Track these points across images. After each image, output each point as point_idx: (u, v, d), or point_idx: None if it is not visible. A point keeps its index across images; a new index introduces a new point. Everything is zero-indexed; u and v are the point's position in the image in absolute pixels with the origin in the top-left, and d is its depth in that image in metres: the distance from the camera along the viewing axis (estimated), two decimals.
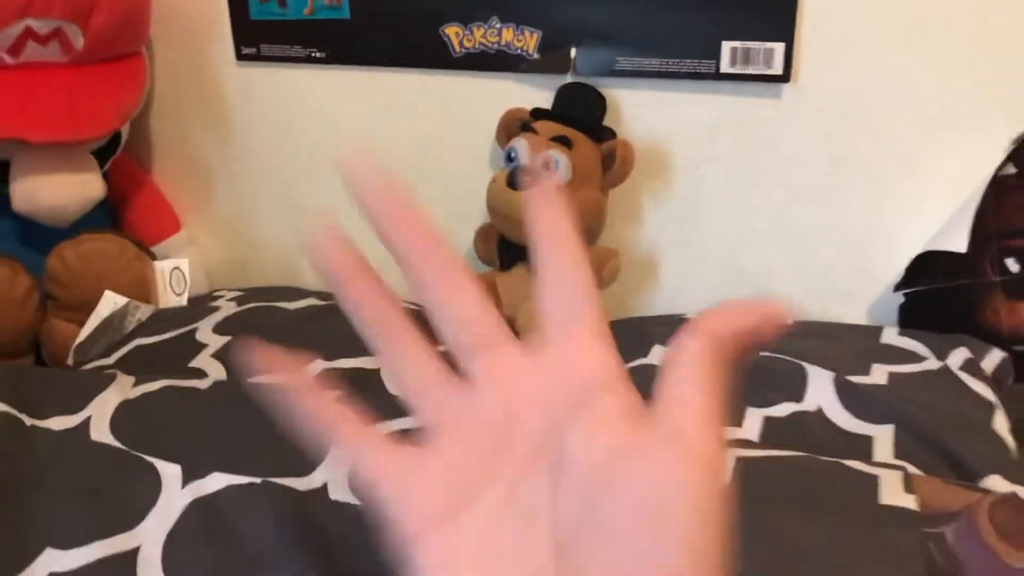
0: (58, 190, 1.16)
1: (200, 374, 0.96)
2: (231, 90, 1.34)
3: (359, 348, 0.97)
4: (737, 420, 0.87)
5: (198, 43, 1.32)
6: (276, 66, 1.29)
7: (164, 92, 1.38)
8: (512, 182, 1.08)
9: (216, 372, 0.97)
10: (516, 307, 1.12)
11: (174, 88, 1.37)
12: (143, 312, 1.16)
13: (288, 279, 1.40)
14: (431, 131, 1.26)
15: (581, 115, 1.12)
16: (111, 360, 1.03)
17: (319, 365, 0.98)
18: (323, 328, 1.09)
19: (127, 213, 1.38)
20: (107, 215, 1.34)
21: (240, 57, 1.30)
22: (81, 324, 1.16)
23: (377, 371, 0.98)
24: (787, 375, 0.93)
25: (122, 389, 0.84)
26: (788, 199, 1.14)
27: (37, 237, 1.21)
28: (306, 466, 0.74)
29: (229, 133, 1.37)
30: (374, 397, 0.84)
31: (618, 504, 0.29)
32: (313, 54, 1.26)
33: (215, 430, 0.79)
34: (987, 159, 1.03)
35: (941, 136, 1.06)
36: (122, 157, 1.34)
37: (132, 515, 0.70)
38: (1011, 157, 1.03)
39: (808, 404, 0.89)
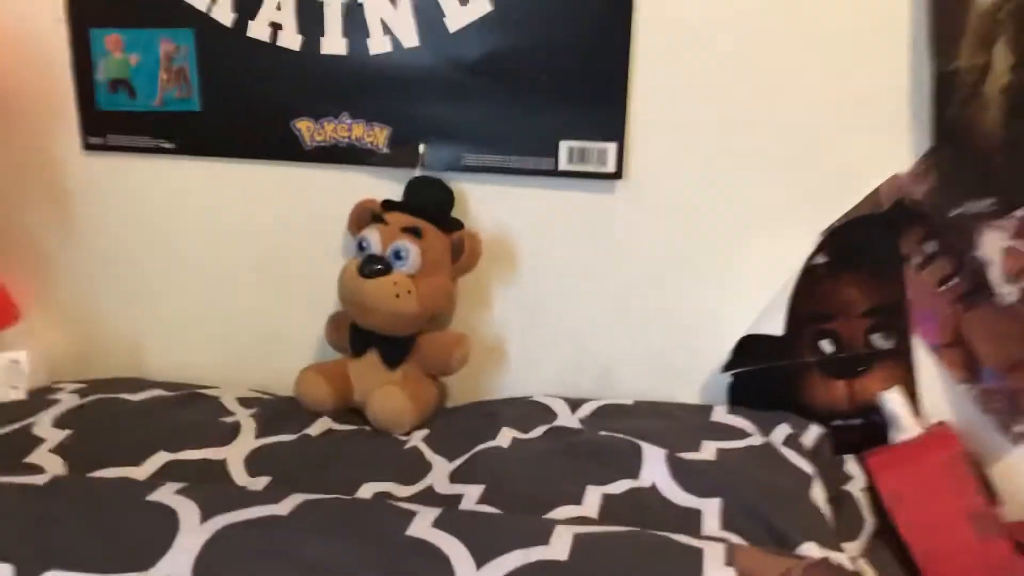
0: None
1: (37, 470, 0.93)
2: (75, 179, 1.32)
3: (203, 439, 0.97)
4: (577, 497, 0.91)
5: (42, 131, 1.30)
6: (124, 156, 1.29)
7: (4, 179, 1.34)
8: (363, 271, 1.11)
9: (55, 467, 0.95)
10: (367, 393, 1.13)
11: (15, 175, 1.34)
12: None
13: (132, 369, 1.37)
14: (283, 221, 1.28)
15: (430, 207, 1.17)
16: None
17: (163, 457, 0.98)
18: (167, 420, 1.08)
19: None
20: None
21: (87, 147, 1.29)
22: None
23: (222, 461, 0.98)
24: (624, 453, 0.98)
25: None
26: (624, 286, 1.22)
27: None
28: (146, 560, 0.73)
29: (72, 222, 1.34)
30: (220, 486, 0.83)
31: None
32: (162, 145, 1.26)
33: (52, 526, 0.76)
34: (799, 250, 1.14)
35: (757, 229, 1.16)
36: None
37: None
38: (820, 247, 1.14)
39: (644, 480, 0.94)
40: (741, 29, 1.10)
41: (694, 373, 1.24)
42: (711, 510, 0.89)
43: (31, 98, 1.29)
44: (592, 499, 0.91)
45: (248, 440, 1.04)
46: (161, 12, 1.21)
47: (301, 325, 1.30)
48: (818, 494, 0.96)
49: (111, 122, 1.27)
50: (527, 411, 1.16)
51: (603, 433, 1.04)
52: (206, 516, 0.77)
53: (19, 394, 1.17)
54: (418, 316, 1.12)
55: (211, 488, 0.83)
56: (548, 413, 1.15)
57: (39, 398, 1.13)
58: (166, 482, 0.83)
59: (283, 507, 0.79)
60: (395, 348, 1.16)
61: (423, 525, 0.77)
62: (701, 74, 1.12)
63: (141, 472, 0.95)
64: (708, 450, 1.01)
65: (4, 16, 1.25)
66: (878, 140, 1.11)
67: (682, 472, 0.95)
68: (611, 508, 0.90)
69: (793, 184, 1.14)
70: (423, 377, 1.17)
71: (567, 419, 1.12)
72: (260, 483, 0.95)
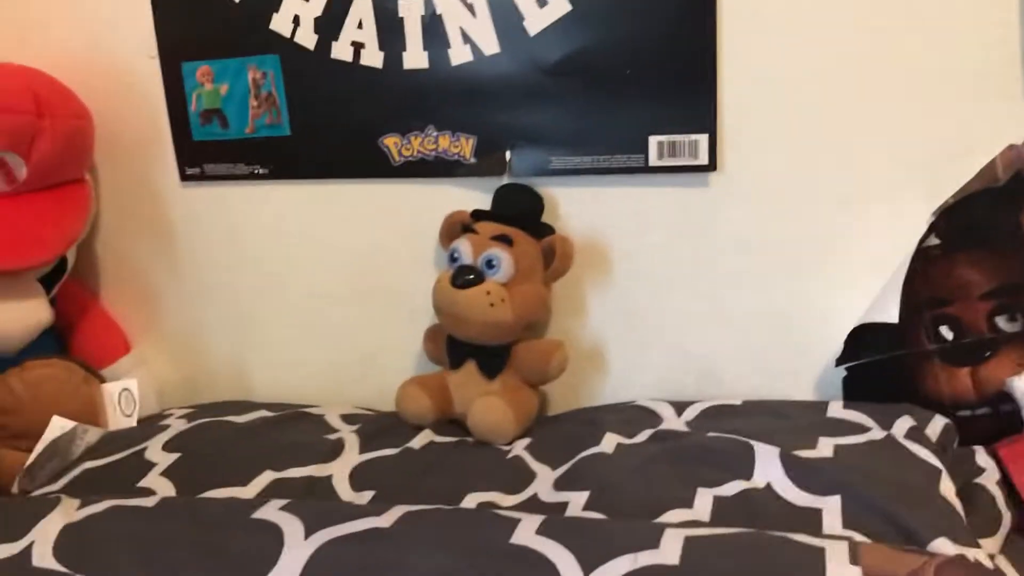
0: (3, 318, 1.16)
1: (149, 493, 0.95)
2: (176, 210, 1.36)
3: (307, 457, 0.97)
4: (688, 501, 0.87)
5: (142, 166, 1.35)
6: (219, 184, 1.32)
7: (110, 215, 1.39)
8: (455, 281, 1.10)
9: (166, 490, 0.96)
10: (467, 403, 1.12)
11: (120, 210, 1.39)
12: (92, 436, 1.14)
13: (239, 392, 1.40)
14: (376, 238, 1.28)
15: (519, 214, 1.15)
16: (58, 486, 1.01)
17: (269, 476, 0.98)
18: (272, 439, 1.08)
19: (76, 337, 1.37)
20: (55, 340, 1.34)
21: (184, 178, 1.33)
22: (29, 452, 1.14)
23: (327, 478, 0.98)
24: (735, 454, 0.94)
25: (66, 512, 0.83)
26: (724, 283, 1.17)
27: None
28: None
29: (175, 252, 1.38)
30: (323, 501, 0.81)
31: None
32: (256, 171, 1.29)
33: (162, 547, 0.77)
34: (909, 232, 1.07)
35: (862, 213, 1.10)
36: (69, 281, 1.35)
37: None
38: (932, 228, 1.08)
39: (757, 481, 0.90)
40: (835, 1, 1.05)
41: (804, 369, 1.18)
42: (831, 508, 0.84)
43: (131, 134, 1.34)
44: (703, 502, 0.87)
45: (352, 455, 1.04)
46: (247, 41, 1.24)
47: (400, 340, 1.30)
48: (948, 488, 0.89)
49: (206, 152, 1.31)
50: (631, 416, 1.13)
51: (712, 434, 1.00)
52: (310, 531, 0.76)
53: (131, 421, 1.21)
54: (513, 324, 1.11)
55: (315, 503, 0.83)
56: (653, 417, 1.11)
57: (150, 424, 1.16)
58: (271, 499, 0.84)
59: (386, 519, 0.78)
60: (492, 358, 1.14)
61: (527, 532, 0.74)
62: (793, 53, 1.08)
63: (248, 492, 0.96)
64: (826, 447, 0.96)
65: (102, 56, 1.30)
66: (992, 109, 1.04)
67: (798, 470, 0.90)
68: (723, 511, 0.86)
69: (900, 162, 1.08)
70: (522, 386, 1.15)
71: (673, 422, 1.09)
72: (365, 497, 0.95)
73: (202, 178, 1.32)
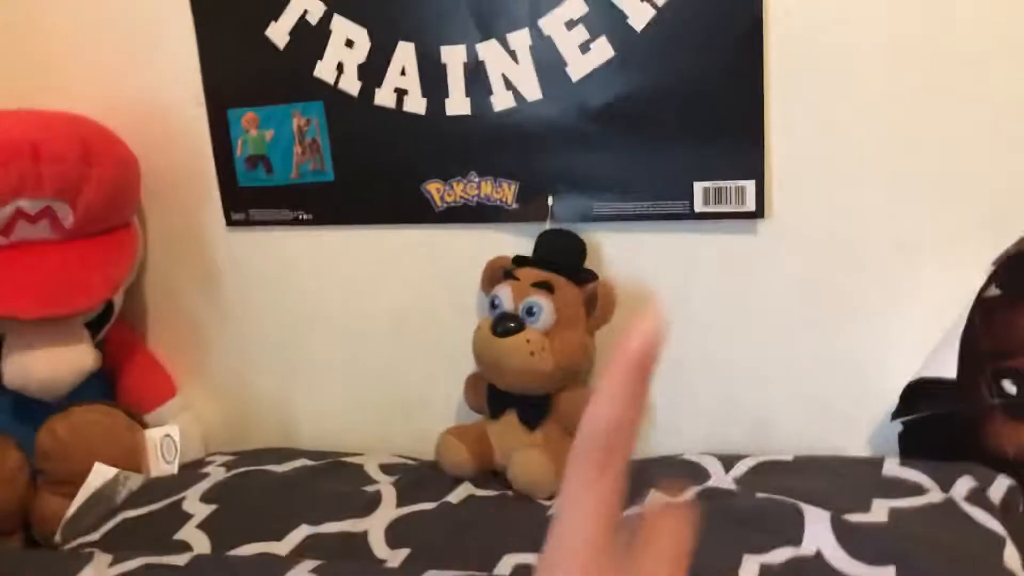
0: (50, 364, 1.17)
1: (184, 547, 0.94)
2: (221, 254, 1.36)
3: (345, 510, 0.95)
4: (733, 570, 0.83)
5: (189, 211, 1.36)
6: (264, 229, 1.32)
7: (157, 258, 1.40)
8: (496, 329, 1.08)
9: (201, 544, 0.96)
10: (508, 454, 1.10)
11: (167, 255, 1.40)
12: (134, 482, 1.15)
13: (283, 437, 1.39)
14: (417, 283, 1.27)
15: (562, 260, 1.13)
16: (97, 536, 1.01)
17: (304, 531, 0.97)
18: (310, 491, 1.07)
19: (122, 381, 1.38)
20: (102, 384, 1.34)
21: (230, 223, 1.33)
22: (71, 497, 1.14)
23: (363, 534, 0.96)
24: (783, 517, 0.90)
25: (98, 570, 0.82)
26: (775, 331, 1.14)
27: (30, 412, 1.21)
28: None
29: (221, 296, 1.39)
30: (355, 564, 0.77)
31: None
32: (300, 216, 1.29)
33: None
34: (968, 281, 1.03)
35: (918, 260, 1.06)
36: (117, 325, 1.36)
37: None
38: (993, 278, 1.03)
39: (807, 548, 0.86)
40: (886, 42, 1.02)
41: (860, 421, 1.14)
42: None
43: (177, 180, 1.35)
44: (750, 570, 0.83)
45: (389, 509, 1.02)
46: (292, 87, 1.24)
47: (441, 386, 1.29)
48: (1012, 557, 0.84)
49: (252, 197, 1.31)
50: (677, 471, 1.09)
51: (761, 495, 0.96)
52: None
53: (172, 468, 1.21)
54: (553, 373, 1.08)
55: (346, 567, 0.81)
56: (700, 473, 1.08)
57: (190, 472, 1.16)
58: (304, 559, 0.82)
59: None
60: (533, 408, 1.12)
61: None
62: (844, 96, 1.04)
63: (283, 547, 0.94)
64: (880, 510, 0.91)
65: (149, 103, 1.32)
66: None
67: (850, 537, 0.85)
68: None
69: (959, 208, 1.04)
70: (564, 437, 1.13)
71: (721, 479, 1.05)
72: (400, 555, 0.93)
73: (247, 223, 1.32)
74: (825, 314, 1.11)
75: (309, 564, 0.80)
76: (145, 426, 1.24)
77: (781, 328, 1.14)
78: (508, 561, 0.90)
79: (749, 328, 1.15)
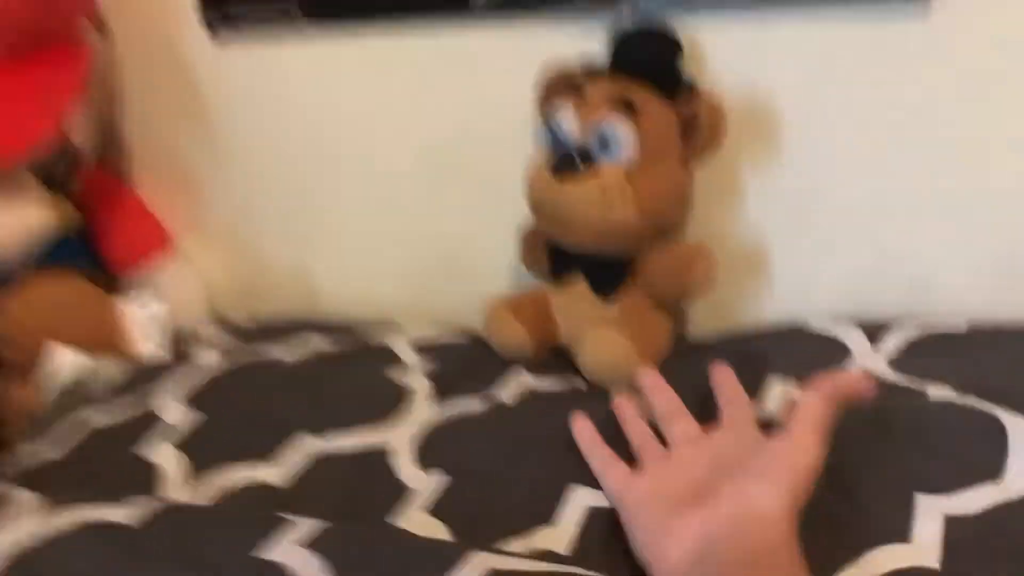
0: None
1: (151, 478, 0.71)
2: (208, 78, 1.07)
3: (362, 413, 0.67)
4: (902, 530, 0.56)
5: (161, 23, 1.06)
6: (258, 45, 1.01)
7: (135, 85, 1.12)
8: (558, 171, 0.78)
9: (173, 468, 0.72)
10: (576, 333, 0.83)
11: (145, 82, 1.11)
12: (108, 371, 0.91)
13: (303, 300, 1.14)
14: (454, 107, 0.97)
15: (647, 67, 0.81)
16: (59, 455, 0.77)
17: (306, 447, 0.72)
18: (320, 388, 0.82)
19: (106, 239, 1.13)
20: (80, 246, 1.10)
21: (210, 28, 1.02)
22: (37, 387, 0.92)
23: (382, 452, 0.72)
24: (973, 432, 0.62)
25: (23, 525, 0.59)
26: (940, 157, 0.82)
27: None
28: None
29: (213, 131, 1.10)
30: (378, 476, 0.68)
31: (748, 465, 0.53)
32: (288, 8, 0.97)
33: None
34: None
35: None
36: (96, 171, 1.10)
37: None
38: None
39: (1011, 484, 0.58)
40: None
41: None
42: None
43: None
44: (929, 528, 0.55)
45: (421, 410, 0.77)
46: None
47: (489, 238, 1.00)
48: None
49: None
50: (804, 349, 0.81)
51: (933, 394, 0.68)
52: None
53: (159, 350, 0.97)
54: (637, 227, 0.79)
55: (349, 535, 0.56)
56: (836, 350, 0.79)
57: (181, 358, 0.92)
58: (291, 523, 0.57)
59: None
60: (609, 273, 0.83)
61: None
62: None
63: (274, 472, 0.70)
64: None
65: None
66: None
67: None
68: (960, 543, 0.54)
69: None
70: (650, 309, 0.85)
71: (866, 357, 0.77)
72: (433, 483, 0.67)
73: (227, 21, 1.01)
74: (1007, 133, 0.79)
75: (298, 530, 0.55)
76: (124, 298, 1.00)
77: (948, 155, 0.82)
78: (576, 500, 0.64)
79: (906, 155, 0.83)
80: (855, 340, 0.80)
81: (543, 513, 0.62)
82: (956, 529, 0.55)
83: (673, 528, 0.52)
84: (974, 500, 0.57)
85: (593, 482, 0.65)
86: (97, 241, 1.13)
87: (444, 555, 0.52)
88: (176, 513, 0.60)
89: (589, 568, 0.56)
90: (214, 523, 0.59)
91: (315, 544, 0.54)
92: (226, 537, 0.56)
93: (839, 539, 0.55)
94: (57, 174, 1.01)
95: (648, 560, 0.54)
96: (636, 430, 0.68)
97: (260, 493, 0.68)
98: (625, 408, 0.71)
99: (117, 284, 1.08)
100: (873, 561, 0.53)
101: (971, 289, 0.85)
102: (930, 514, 0.56)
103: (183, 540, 0.57)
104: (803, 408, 0.55)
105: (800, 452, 0.52)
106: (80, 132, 1.02)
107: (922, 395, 0.69)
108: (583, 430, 0.68)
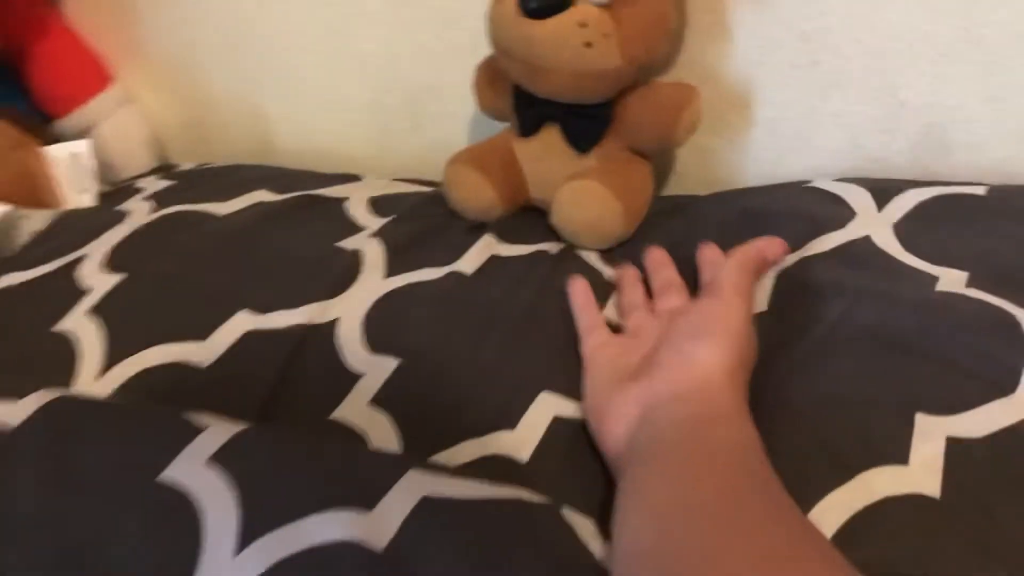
0: None
1: (62, 345, 0.63)
2: None
3: (306, 286, 0.60)
4: (900, 451, 0.49)
5: None
6: None
7: None
8: (528, 5, 0.67)
9: (89, 338, 0.64)
10: (548, 188, 0.74)
11: None
12: (34, 221, 0.83)
13: (256, 143, 1.05)
14: None
15: None
16: None
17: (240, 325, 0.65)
18: (261, 251, 0.74)
19: (35, 73, 1.02)
20: (13, 83, 0.99)
21: None
22: None
23: (330, 327, 0.64)
24: (985, 341, 0.54)
25: None
26: None
27: None
28: None
29: None
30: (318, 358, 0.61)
31: (682, 325, 0.54)
32: None
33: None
34: None
35: None
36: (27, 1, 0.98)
37: None
38: None
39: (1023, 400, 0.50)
40: None
41: None
42: None
43: None
44: (928, 450, 0.48)
45: (373, 281, 0.69)
46: None
47: (456, 77, 0.89)
48: None
49: None
50: (802, 208, 0.72)
51: (942, 282, 0.60)
52: (245, 537, 0.43)
53: (86, 198, 0.88)
54: (621, 71, 0.68)
55: (262, 449, 0.49)
56: (838, 210, 0.71)
57: (107, 209, 0.83)
58: (197, 432, 0.49)
59: (379, 523, 0.43)
60: (586, 121, 0.73)
61: None
62: None
63: (206, 351, 0.62)
64: None
65: None
66: None
67: None
68: (961, 467, 0.47)
69: None
70: (632, 159, 0.75)
71: (871, 224, 0.68)
72: (380, 368, 0.60)
73: None
74: None
75: (202, 452, 0.48)
76: (46, 142, 0.90)
77: None
78: (544, 404, 0.57)
79: None
80: (860, 201, 0.71)
81: (504, 413, 0.55)
82: (956, 455, 0.48)
83: (614, 402, 0.52)
84: (982, 421, 0.50)
85: (561, 387, 0.58)
86: (29, 79, 1.02)
87: (369, 479, 0.45)
88: (61, 417, 0.53)
89: (547, 478, 0.50)
90: (114, 439, 0.51)
91: (221, 458, 0.47)
92: (126, 453, 0.49)
93: (832, 459, 0.49)
94: None
95: (593, 425, 0.53)
96: (628, 299, 0.65)
97: (180, 375, 0.60)
98: (627, 275, 0.68)
99: (51, 127, 0.97)
100: (867, 483, 0.47)
101: (993, 143, 0.76)
102: (928, 432, 0.49)
103: (64, 460, 0.49)
104: (724, 273, 0.55)
105: (730, 310, 0.53)
106: None
107: (930, 288, 0.60)
108: (578, 292, 0.66)
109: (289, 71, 0.99)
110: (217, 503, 0.45)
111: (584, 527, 0.46)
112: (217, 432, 0.49)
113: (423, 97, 0.94)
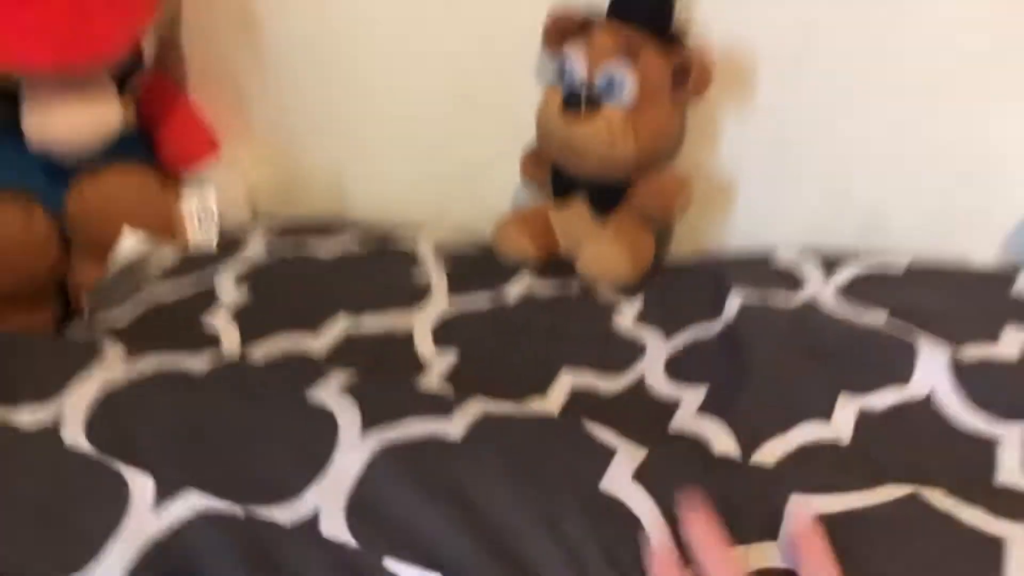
0: (71, 121, 1.05)
1: (211, 341, 0.86)
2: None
3: (390, 299, 0.82)
4: (826, 412, 0.71)
5: None
6: None
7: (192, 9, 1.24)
8: (569, 108, 0.91)
9: (230, 335, 0.87)
10: (574, 244, 0.98)
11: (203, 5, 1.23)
12: (166, 254, 1.06)
13: (334, 204, 1.28)
14: (475, 38, 1.09)
15: (646, 16, 0.93)
16: (126, 319, 0.92)
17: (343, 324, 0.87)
18: (353, 278, 0.97)
19: (161, 137, 1.26)
20: (140, 143, 1.23)
21: None
22: (107, 264, 1.07)
23: (408, 334, 0.87)
24: (890, 349, 0.76)
25: (108, 368, 0.73)
26: (910, 107, 0.95)
27: (62, 173, 1.10)
28: (296, 482, 0.62)
29: (262, 47, 1.23)
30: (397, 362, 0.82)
31: None
32: None
33: (206, 429, 0.68)
34: None
35: None
36: (156, 76, 1.22)
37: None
38: None
39: (915, 389, 0.72)
40: None
41: (992, 221, 0.97)
42: (1013, 440, 0.67)
43: None
44: (844, 415, 0.71)
45: (438, 303, 0.92)
46: None
47: (505, 155, 1.13)
48: None
49: None
50: (767, 274, 0.95)
51: (867, 319, 0.82)
52: (368, 427, 0.65)
53: (209, 238, 1.11)
54: (636, 159, 0.93)
55: (380, 385, 0.72)
56: (794, 278, 0.93)
57: (228, 247, 1.06)
58: (334, 372, 0.72)
59: (456, 424, 0.65)
60: (607, 195, 0.97)
61: (621, 476, 0.61)
62: None
63: (318, 341, 0.85)
64: (1011, 342, 0.76)
65: None
66: None
67: (971, 378, 0.72)
68: (868, 428, 0.70)
69: None
70: (639, 227, 0.99)
71: (817, 287, 0.90)
72: (446, 359, 0.83)
73: None
74: (966, 86, 0.92)
75: (339, 379, 0.71)
76: (182, 190, 1.14)
77: (910, 104, 0.94)
78: (564, 380, 0.80)
79: (878, 102, 0.96)
80: (810, 271, 0.94)
81: (536, 386, 0.78)
82: (866, 419, 0.70)
83: None
84: (882, 399, 0.72)
85: (576, 363, 0.80)
86: (153, 141, 1.27)
87: (447, 400, 0.68)
88: (235, 369, 0.76)
89: None
90: (268, 372, 0.74)
91: (350, 389, 0.69)
92: (279, 381, 0.72)
93: (772, 419, 0.71)
94: (128, 78, 1.13)
95: None
96: None
97: (298, 365, 0.83)
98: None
99: (169, 182, 1.21)
100: (797, 433, 0.69)
101: (917, 229, 0.99)
102: (846, 406, 0.72)
103: (241, 383, 0.72)
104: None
105: None
106: (148, 41, 1.15)
107: (855, 319, 0.82)
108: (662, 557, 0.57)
109: (367, 148, 1.24)
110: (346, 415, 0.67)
111: None
112: (343, 375, 0.71)
113: (473, 173, 1.18)
